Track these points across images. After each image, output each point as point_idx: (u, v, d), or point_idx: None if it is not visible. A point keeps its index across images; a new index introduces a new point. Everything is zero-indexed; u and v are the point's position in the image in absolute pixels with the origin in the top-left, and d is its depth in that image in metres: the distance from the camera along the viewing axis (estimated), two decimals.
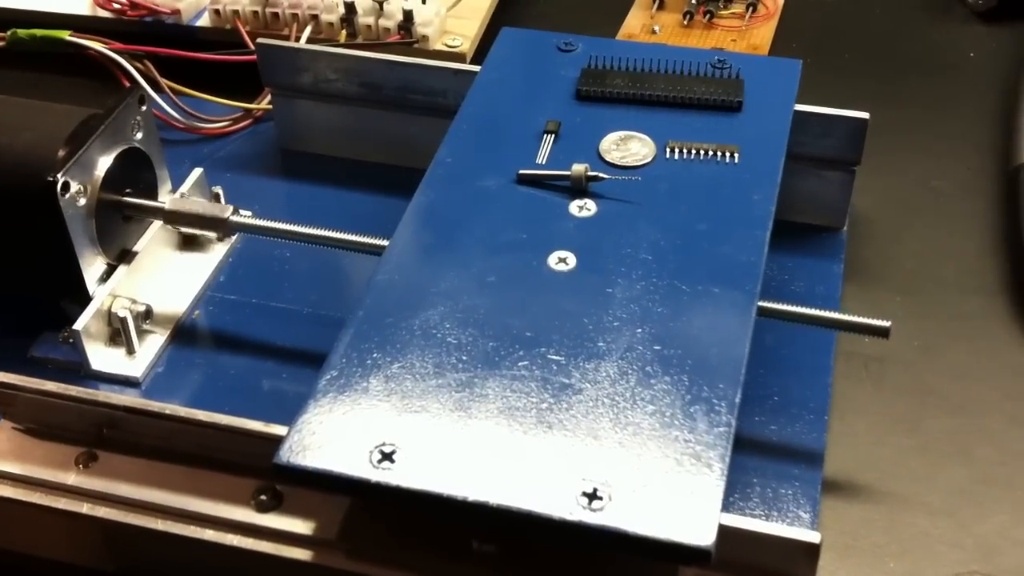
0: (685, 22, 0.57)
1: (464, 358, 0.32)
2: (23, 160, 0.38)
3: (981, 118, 0.52)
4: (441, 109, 0.47)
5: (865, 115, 0.42)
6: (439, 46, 0.54)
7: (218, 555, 0.32)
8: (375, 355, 0.32)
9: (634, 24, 0.57)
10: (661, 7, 0.58)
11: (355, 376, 0.32)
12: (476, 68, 0.46)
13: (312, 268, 0.44)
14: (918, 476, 0.37)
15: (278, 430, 0.33)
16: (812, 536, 0.29)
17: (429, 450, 0.30)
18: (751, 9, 0.57)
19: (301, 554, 0.32)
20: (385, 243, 0.39)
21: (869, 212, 0.46)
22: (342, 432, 0.30)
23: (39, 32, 0.55)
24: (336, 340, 0.33)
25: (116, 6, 0.56)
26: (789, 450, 0.36)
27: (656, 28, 0.57)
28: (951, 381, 0.40)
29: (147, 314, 0.41)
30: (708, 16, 0.57)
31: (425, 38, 0.53)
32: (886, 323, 0.35)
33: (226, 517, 0.33)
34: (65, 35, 0.54)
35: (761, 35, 0.56)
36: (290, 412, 0.37)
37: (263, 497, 0.33)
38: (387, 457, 0.30)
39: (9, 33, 0.55)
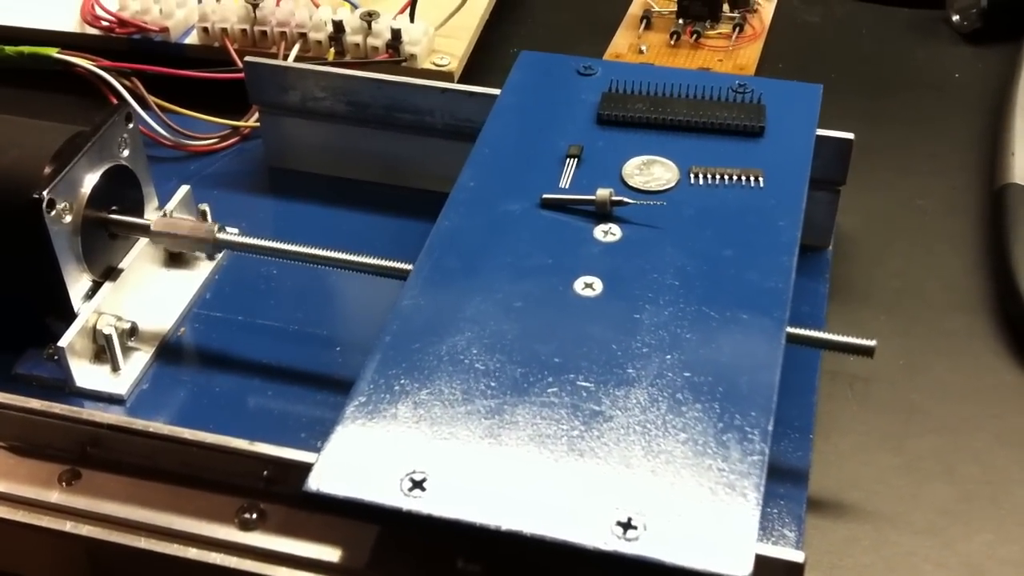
0: (672, 42, 0.57)
1: (493, 384, 0.32)
2: (9, 177, 0.38)
3: (966, 138, 0.52)
4: (429, 128, 0.47)
5: (850, 135, 0.43)
6: (427, 65, 0.54)
7: (201, 573, 0.32)
8: (403, 381, 0.32)
9: (621, 44, 0.57)
10: (648, 27, 0.58)
11: (383, 402, 0.32)
12: (464, 87, 0.46)
13: (298, 286, 0.44)
14: (903, 495, 0.37)
15: (263, 448, 0.33)
16: (796, 555, 0.29)
17: (460, 478, 0.30)
18: (738, 29, 0.57)
19: (285, 573, 0.32)
20: (371, 261, 0.39)
21: (854, 231, 0.47)
22: (372, 459, 0.30)
23: (27, 49, 0.55)
24: (362, 366, 0.33)
25: (104, 23, 0.56)
26: (774, 469, 0.36)
27: (643, 48, 0.57)
28: (936, 400, 0.40)
29: (132, 331, 0.40)
30: (695, 36, 0.57)
31: (413, 57, 0.53)
32: (871, 343, 0.35)
33: (210, 535, 0.32)
34: (53, 52, 0.54)
35: (748, 55, 0.56)
36: (275, 430, 0.38)
37: (247, 515, 0.33)
38: (418, 485, 0.29)
39: None
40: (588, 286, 0.35)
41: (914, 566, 0.35)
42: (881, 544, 0.36)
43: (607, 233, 0.37)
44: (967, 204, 0.48)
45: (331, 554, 0.32)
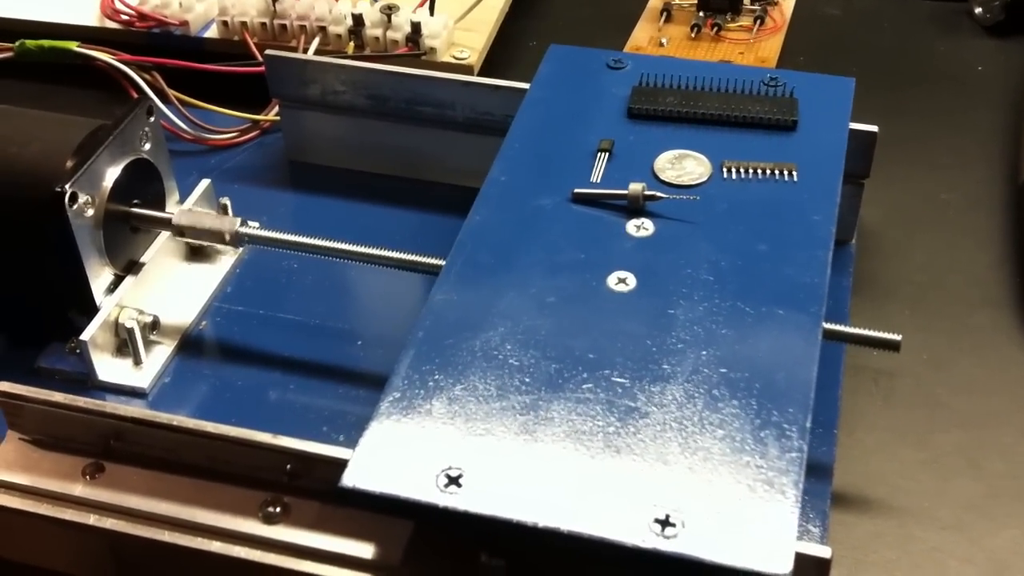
0: (692, 35, 0.57)
1: (527, 380, 0.32)
2: (32, 171, 0.38)
3: (989, 131, 0.52)
4: (448, 121, 0.47)
5: (874, 128, 0.42)
6: (447, 58, 0.54)
7: (225, 567, 0.32)
8: (437, 376, 0.32)
9: (641, 37, 0.57)
10: (668, 20, 0.58)
11: (418, 398, 0.31)
12: (484, 80, 0.46)
13: (319, 279, 0.44)
14: (928, 490, 0.37)
15: (286, 442, 0.33)
16: (823, 551, 0.29)
17: (496, 474, 0.29)
18: (759, 22, 0.57)
19: (309, 567, 0.32)
20: (389, 254, 0.39)
21: (877, 225, 0.46)
22: (407, 455, 0.30)
23: (47, 43, 0.55)
24: (396, 361, 0.32)
25: (124, 17, 0.56)
26: None
27: (664, 41, 0.57)
28: (960, 394, 0.40)
29: (154, 325, 0.41)
30: (716, 29, 0.57)
31: (433, 50, 0.53)
32: (897, 337, 0.35)
33: (233, 529, 0.32)
34: (73, 46, 0.54)
35: (769, 48, 0.56)
36: (297, 423, 0.38)
37: (270, 509, 0.33)
38: (453, 481, 0.29)
39: (18, 44, 0.55)
40: (621, 281, 0.35)
41: (940, 562, 0.35)
42: (906, 540, 0.35)
43: (640, 228, 0.37)
44: (991, 198, 0.48)
45: (355, 548, 0.32)
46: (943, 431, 0.39)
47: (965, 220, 0.47)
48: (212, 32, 0.56)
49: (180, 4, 0.56)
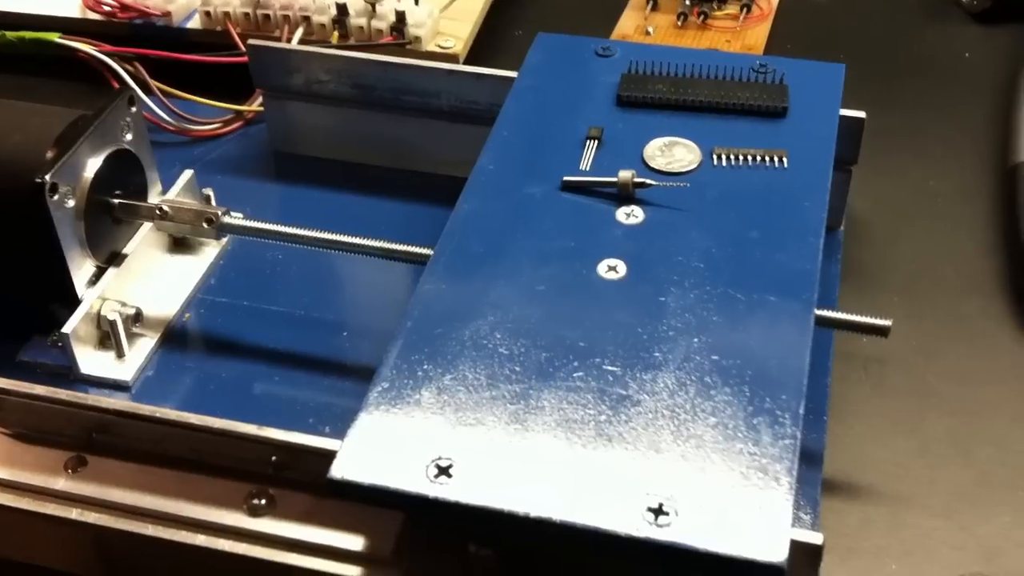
0: (679, 23, 0.56)
1: (517, 369, 0.31)
2: (11, 161, 0.37)
3: (977, 118, 0.51)
4: (434, 110, 0.47)
5: (861, 114, 0.42)
6: (432, 47, 0.53)
7: (210, 560, 0.32)
8: (426, 366, 0.32)
9: (628, 25, 0.57)
10: (655, 8, 0.58)
11: (407, 388, 0.31)
12: (469, 69, 0.46)
13: (304, 270, 0.43)
14: (919, 477, 0.37)
15: (271, 433, 0.32)
16: (814, 537, 0.29)
17: (486, 464, 0.29)
18: (745, 10, 0.57)
19: (295, 559, 0.31)
20: (376, 243, 0.39)
21: (866, 213, 0.46)
22: (396, 446, 0.30)
23: (28, 34, 0.54)
24: (385, 351, 0.32)
25: (106, 8, 0.55)
26: None
27: (650, 29, 0.56)
28: (951, 382, 0.40)
29: (137, 317, 0.40)
30: (702, 17, 0.56)
31: (418, 39, 0.53)
32: (886, 322, 0.35)
33: (218, 522, 0.32)
34: (55, 37, 0.53)
35: (756, 36, 0.56)
36: (283, 415, 0.37)
37: (256, 501, 0.32)
38: (444, 472, 0.29)
39: None
40: (612, 269, 0.35)
41: (931, 549, 0.35)
42: (897, 527, 0.35)
43: (630, 215, 0.37)
44: (980, 185, 0.48)
45: (344, 540, 0.31)
46: (934, 418, 0.38)
47: (954, 208, 0.47)
48: (195, 22, 0.55)
49: None
